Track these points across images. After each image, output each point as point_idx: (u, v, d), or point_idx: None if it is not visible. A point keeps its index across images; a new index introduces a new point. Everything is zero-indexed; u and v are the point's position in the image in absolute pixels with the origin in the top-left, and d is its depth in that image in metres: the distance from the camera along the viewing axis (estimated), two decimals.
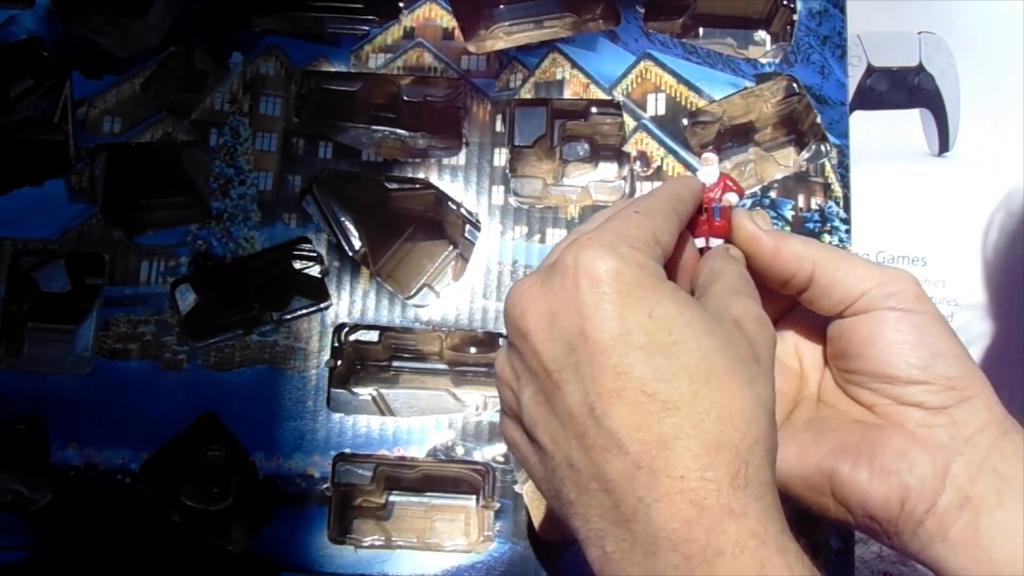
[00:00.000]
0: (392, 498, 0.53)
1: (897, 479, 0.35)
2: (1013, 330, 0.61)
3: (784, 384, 0.40)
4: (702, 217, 0.39)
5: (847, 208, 0.54)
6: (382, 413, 0.53)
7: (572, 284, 0.32)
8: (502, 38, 0.59)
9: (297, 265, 0.55)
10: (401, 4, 0.57)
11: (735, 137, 0.58)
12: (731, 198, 0.39)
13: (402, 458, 0.51)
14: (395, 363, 0.55)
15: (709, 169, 0.40)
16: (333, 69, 0.57)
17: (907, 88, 0.64)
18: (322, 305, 0.53)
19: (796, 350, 0.41)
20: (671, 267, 0.36)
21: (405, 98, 0.57)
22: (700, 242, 0.39)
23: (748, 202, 0.54)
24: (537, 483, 0.34)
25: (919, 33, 0.65)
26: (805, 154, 0.56)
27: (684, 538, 0.29)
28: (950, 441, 0.35)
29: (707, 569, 0.29)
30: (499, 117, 0.56)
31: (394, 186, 0.56)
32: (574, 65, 0.56)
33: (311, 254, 0.55)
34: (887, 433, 0.36)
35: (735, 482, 0.29)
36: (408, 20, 0.58)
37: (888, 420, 0.37)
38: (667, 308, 0.31)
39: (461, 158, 0.55)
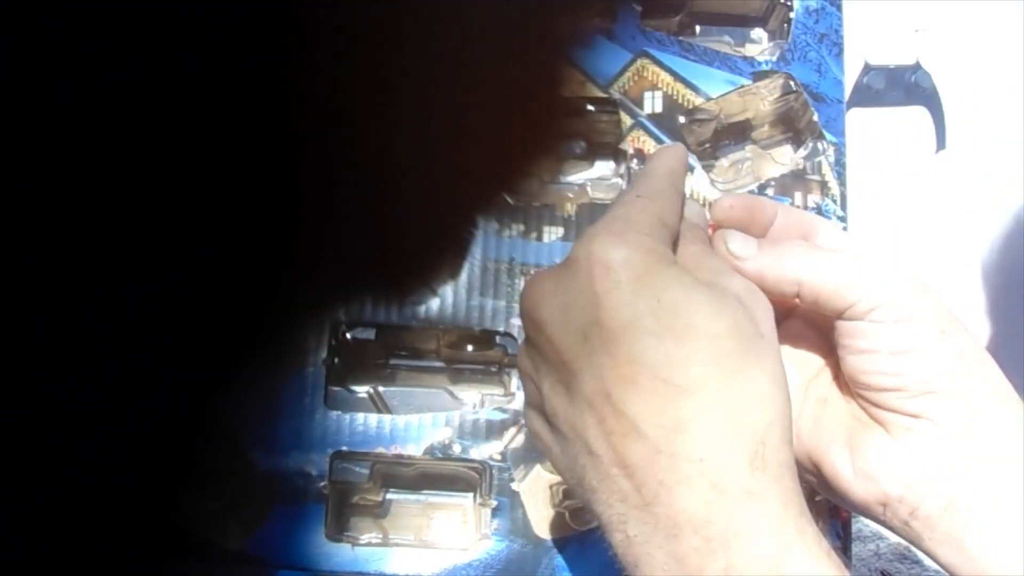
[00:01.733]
0: (389, 496, 0.53)
1: (876, 486, 0.35)
2: (1010, 326, 0.61)
3: (808, 354, 0.40)
4: None
5: (844, 206, 0.54)
6: (379, 411, 0.53)
7: (585, 275, 0.32)
8: None
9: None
10: None
11: (732, 135, 0.58)
12: None
13: (399, 456, 0.51)
14: (392, 361, 0.55)
15: None
16: None
17: (904, 86, 0.64)
18: (320, 302, 0.53)
19: (821, 332, 0.41)
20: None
21: None
22: None
23: None
24: (560, 472, 0.35)
25: (916, 31, 0.65)
26: (802, 152, 0.56)
27: (704, 520, 0.29)
28: (934, 443, 0.35)
29: (726, 551, 0.29)
30: None
31: None
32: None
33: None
34: (873, 436, 0.36)
35: (753, 464, 0.30)
36: None
37: (876, 421, 0.37)
38: (675, 293, 0.32)
39: None
